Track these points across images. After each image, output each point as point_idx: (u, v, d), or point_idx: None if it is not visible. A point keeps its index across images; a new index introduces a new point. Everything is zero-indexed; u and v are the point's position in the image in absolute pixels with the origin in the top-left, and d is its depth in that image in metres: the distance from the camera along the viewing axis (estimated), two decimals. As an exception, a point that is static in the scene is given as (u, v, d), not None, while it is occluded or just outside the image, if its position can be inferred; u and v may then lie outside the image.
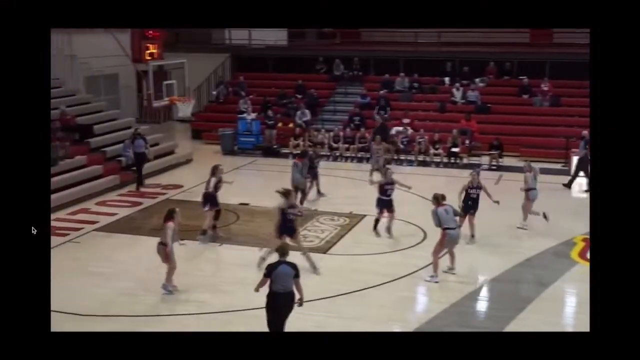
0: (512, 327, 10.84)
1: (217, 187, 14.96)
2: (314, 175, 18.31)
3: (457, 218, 13.08)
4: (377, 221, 15.25)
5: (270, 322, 9.56)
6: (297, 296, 9.58)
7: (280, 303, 9.47)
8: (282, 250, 9.77)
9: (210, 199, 14.85)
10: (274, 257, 10.42)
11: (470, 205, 14.91)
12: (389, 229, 15.09)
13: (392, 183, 15.18)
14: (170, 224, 11.77)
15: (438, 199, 12.79)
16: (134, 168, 19.91)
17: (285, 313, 9.55)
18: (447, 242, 12.66)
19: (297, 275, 9.51)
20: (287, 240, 12.62)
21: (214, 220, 15.07)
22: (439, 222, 12.54)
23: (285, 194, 13.29)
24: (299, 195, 16.53)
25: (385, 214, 15.12)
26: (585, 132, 19.68)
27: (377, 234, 15.16)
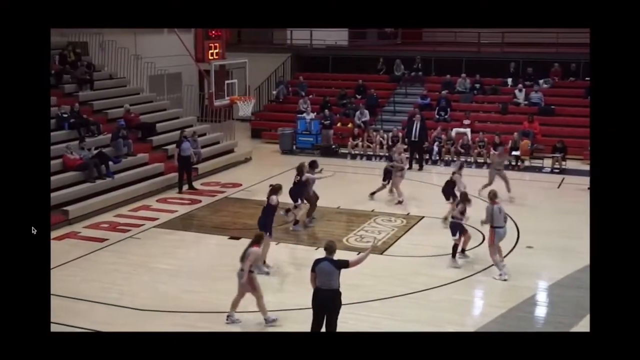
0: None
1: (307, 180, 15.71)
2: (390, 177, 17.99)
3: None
4: (456, 247, 13.57)
5: (313, 318, 9.58)
6: (343, 296, 9.55)
7: (321, 298, 9.46)
8: (328, 248, 9.68)
9: (298, 192, 15.50)
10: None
11: None
12: (464, 251, 13.83)
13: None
14: (256, 249, 10.75)
15: (494, 197, 12.93)
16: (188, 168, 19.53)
17: (327, 310, 9.49)
18: (496, 240, 12.72)
19: (344, 267, 9.46)
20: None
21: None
22: (491, 219, 12.69)
23: (276, 190, 13.40)
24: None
25: (462, 237, 13.63)
26: None
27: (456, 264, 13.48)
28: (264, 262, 13.03)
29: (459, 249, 13.59)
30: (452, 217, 13.63)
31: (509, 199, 17.10)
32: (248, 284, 10.59)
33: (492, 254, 12.82)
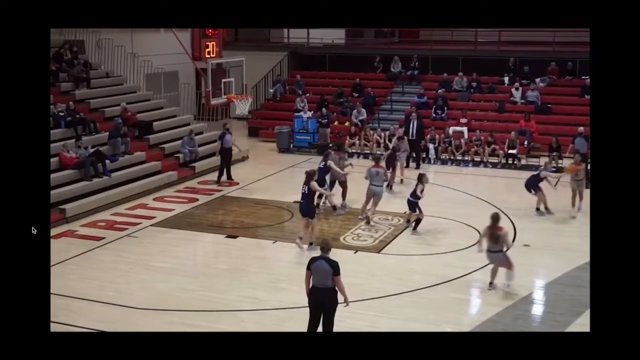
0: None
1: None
2: (394, 167, 19.04)
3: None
4: (420, 221, 15.48)
5: (309, 317, 9.59)
6: (339, 295, 9.51)
7: (317, 297, 9.47)
8: (324, 246, 9.69)
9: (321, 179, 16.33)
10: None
11: None
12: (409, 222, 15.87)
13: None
14: (506, 230, 12.09)
15: (377, 161, 16.27)
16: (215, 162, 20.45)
17: (323, 309, 9.48)
18: (370, 192, 15.69)
19: (335, 273, 9.38)
20: (307, 221, 14.33)
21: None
22: (370, 178, 15.72)
23: (310, 176, 14.35)
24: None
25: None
26: (582, 129, 20.03)
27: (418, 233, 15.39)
28: (310, 242, 14.07)
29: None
30: (412, 196, 15.28)
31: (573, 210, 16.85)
32: (505, 260, 12.03)
33: (365, 203, 15.96)
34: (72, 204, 16.46)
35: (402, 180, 19.81)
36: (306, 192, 14.17)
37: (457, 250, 14.17)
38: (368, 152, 23.80)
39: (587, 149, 19.07)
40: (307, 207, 14.29)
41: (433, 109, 25.83)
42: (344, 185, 17.34)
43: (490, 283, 12.23)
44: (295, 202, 16.45)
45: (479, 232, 14.91)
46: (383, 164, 16.84)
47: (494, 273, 12.23)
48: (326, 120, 25.30)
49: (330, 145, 21.63)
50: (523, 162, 22.68)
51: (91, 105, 21.30)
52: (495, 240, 11.88)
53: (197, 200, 18.23)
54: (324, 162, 16.78)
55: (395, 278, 12.79)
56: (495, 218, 11.99)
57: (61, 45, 22.41)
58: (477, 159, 22.86)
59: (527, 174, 21.37)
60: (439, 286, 12.40)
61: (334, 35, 30.10)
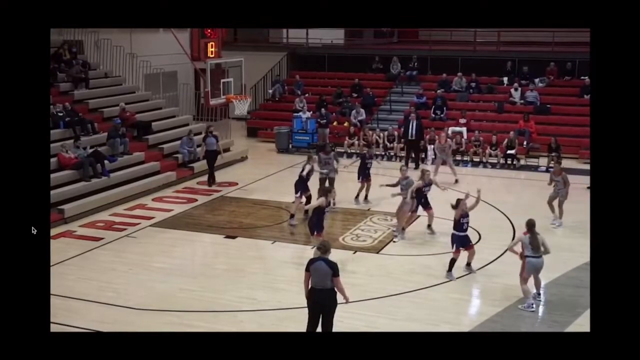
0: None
1: (308, 175, 16.09)
2: (365, 176, 17.99)
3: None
4: (453, 261, 12.84)
5: (308, 318, 9.58)
6: (339, 295, 9.50)
7: (316, 299, 9.46)
8: (323, 247, 9.67)
9: (300, 185, 15.91)
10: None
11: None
12: (469, 265, 13.12)
13: (467, 215, 12.97)
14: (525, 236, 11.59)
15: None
16: (196, 164, 20.43)
17: (323, 310, 9.46)
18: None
19: (335, 274, 9.36)
20: (318, 237, 12.98)
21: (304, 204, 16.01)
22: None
23: (326, 192, 13.70)
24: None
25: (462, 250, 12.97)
26: None
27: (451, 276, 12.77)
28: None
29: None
30: (456, 229, 12.87)
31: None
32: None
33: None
34: (71, 205, 16.44)
35: (456, 180, 19.57)
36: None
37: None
38: (365, 152, 23.75)
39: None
40: (313, 222, 13.43)
41: (432, 109, 25.82)
42: (322, 183, 17.05)
43: (538, 294, 11.79)
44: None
45: (478, 232, 14.94)
46: (407, 173, 15.68)
47: (538, 282, 11.75)
48: (325, 121, 25.30)
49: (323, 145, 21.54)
50: (522, 162, 22.70)
51: (90, 105, 21.27)
52: (538, 246, 11.43)
53: (196, 200, 18.22)
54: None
55: (395, 278, 12.78)
56: (532, 224, 11.58)
57: (60, 45, 22.38)
58: (477, 159, 22.87)
59: (527, 174, 21.53)
60: (439, 286, 12.40)
61: (333, 36, 30.11)
